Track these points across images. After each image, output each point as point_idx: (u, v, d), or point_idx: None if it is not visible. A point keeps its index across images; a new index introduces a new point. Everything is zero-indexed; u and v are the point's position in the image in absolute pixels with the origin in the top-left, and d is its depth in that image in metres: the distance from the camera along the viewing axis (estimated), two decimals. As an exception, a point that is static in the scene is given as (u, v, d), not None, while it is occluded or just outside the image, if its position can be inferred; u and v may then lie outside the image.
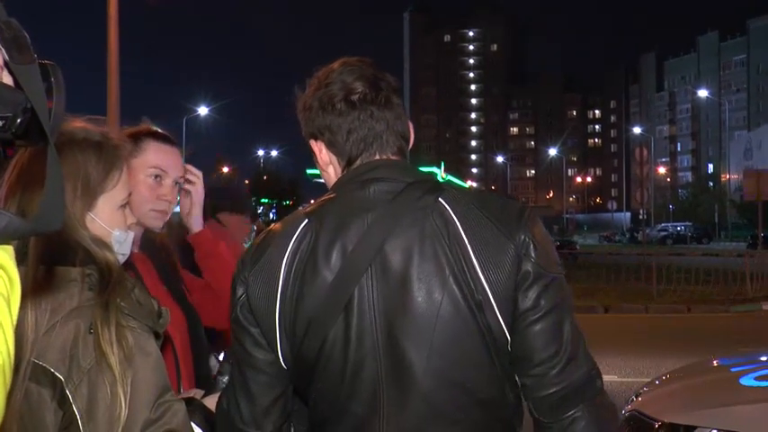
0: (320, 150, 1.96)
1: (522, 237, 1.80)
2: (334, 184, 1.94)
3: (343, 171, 1.93)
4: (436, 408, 1.78)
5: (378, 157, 1.91)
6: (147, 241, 2.75)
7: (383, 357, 1.77)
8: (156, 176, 2.66)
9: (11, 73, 1.02)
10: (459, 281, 1.76)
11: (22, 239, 1.02)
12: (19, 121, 1.01)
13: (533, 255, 1.80)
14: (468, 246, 1.78)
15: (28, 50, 1.03)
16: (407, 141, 1.98)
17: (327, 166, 1.97)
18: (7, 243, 1.00)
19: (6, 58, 1.01)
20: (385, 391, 1.78)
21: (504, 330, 1.79)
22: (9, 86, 1.01)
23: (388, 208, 1.82)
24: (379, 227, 1.80)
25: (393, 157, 1.93)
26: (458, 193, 1.87)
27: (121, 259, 2.04)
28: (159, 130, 2.74)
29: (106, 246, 1.94)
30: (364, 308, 1.78)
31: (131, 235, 2.10)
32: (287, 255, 1.83)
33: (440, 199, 1.82)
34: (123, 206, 2.06)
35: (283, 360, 1.86)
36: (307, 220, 1.86)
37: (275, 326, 1.83)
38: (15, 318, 0.98)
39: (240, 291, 1.88)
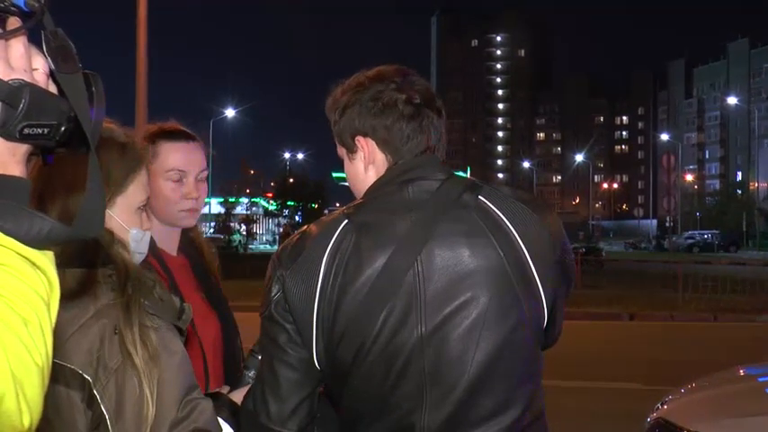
0: (369, 149, 1.97)
1: (557, 230, 1.91)
2: (371, 186, 1.95)
3: (386, 171, 1.95)
4: (479, 401, 1.80)
5: None
6: (188, 245, 2.75)
7: (430, 352, 1.80)
8: (178, 178, 2.61)
9: (55, 82, 1.04)
10: (511, 275, 1.81)
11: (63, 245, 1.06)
12: (63, 129, 1.03)
13: (565, 247, 1.94)
14: (520, 240, 1.83)
15: (73, 60, 1.05)
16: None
17: (369, 165, 1.98)
18: (48, 248, 1.01)
19: (52, 66, 1.03)
20: (429, 384, 1.80)
21: (545, 320, 1.89)
22: (54, 95, 1.03)
23: (429, 206, 1.85)
24: (422, 225, 1.83)
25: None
26: (493, 189, 1.92)
27: (139, 258, 2.05)
28: (174, 127, 2.67)
29: (123, 245, 1.95)
30: (410, 304, 1.80)
31: (148, 234, 2.10)
32: (327, 254, 1.84)
33: (479, 196, 1.87)
34: (141, 208, 2.07)
35: (317, 359, 1.87)
36: (347, 221, 1.87)
37: (312, 324, 1.85)
38: (54, 322, 1.00)
39: (276, 288, 1.89)
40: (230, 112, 60.00)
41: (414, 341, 1.80)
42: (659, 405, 5.10)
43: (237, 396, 2.19)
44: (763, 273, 22.84)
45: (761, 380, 5.37)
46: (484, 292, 1.81)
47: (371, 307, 1.80)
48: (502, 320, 1.81)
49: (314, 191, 53.04)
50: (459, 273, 1.81)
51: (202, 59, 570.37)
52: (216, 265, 2.82)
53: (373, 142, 1.96)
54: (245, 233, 49.14)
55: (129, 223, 2.03)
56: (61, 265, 1.86)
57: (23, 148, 1.02)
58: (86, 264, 1.85)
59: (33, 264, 0.98)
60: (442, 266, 1.81)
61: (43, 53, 1.03)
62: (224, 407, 2.12)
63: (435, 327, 1.80)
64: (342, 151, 2.05)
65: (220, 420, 2.02)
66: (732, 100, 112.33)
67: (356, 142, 1.98)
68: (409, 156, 1.93)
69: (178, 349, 1.87)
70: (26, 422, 0.93)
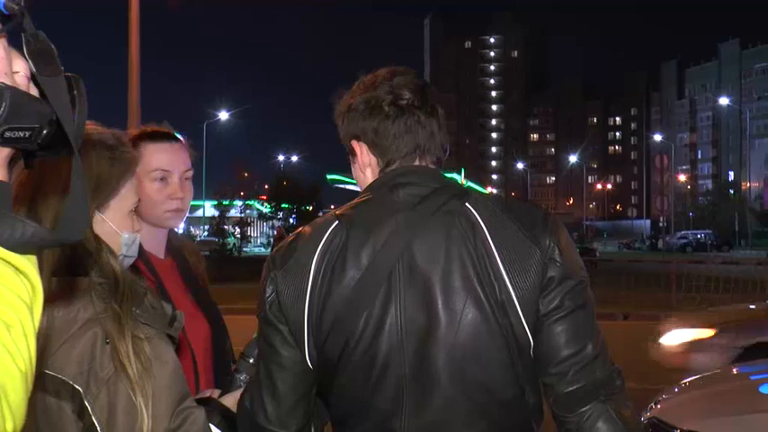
0: (361, 152, 1.99)
1: (548, 242, 1.85)
2: (366, 187, 1.96)
3: (380, 173, 1.96)
4: (456, 406, 1.81)
5: (417, 163, 1.95)
6: (175, 248, 2.74)
7: (408, 355, 1.81)
8: (161, 178, 2.62)
9: (37, 85, 1.03)
10: (483, 282, 1.80)
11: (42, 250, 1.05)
12: (45, 132, 1.01)
13: (559, 259, 1.85)
14: (494, 248, 1.82)
15: (54, 63, 1.03)
16: (445, 153, 2.01)
17: (366, 168, 2.00)
18: (31, 253, 1.00)
19: (33, 69, 1.01)
20: (408, 387, 1.81)
21: (527, 332, 1.83)
22: (36, 98, 1.02)
23: (415, 210, 1.85)
24: (406, 228, 1.84)
25: (430, 166, 1.96)
26: (483, 197, 1.91)
27: (129, 261, 2.05)
28: (156, 129, 2.68)
29: (111, 251, 1.94)
30: (390, 306, 1.81)
31: (138, 237, 2.10)
32: (317, 254, 1.86)
33: (466, 203, 1.87)
34: (132, 211, 2.07)
35: (309, 359, 1.88)
36: (337, 222, 1.89)
37: (303, 324, 1.86)
38: (38, 326, 0.99)
39: (270, 289, 1.91)
40: (224, 115, 59.68)
41: (393, 344, 1.81)
42: (653, 404, 5.12)
43: (229, 400, 2.19)
44: (755, 272, 22.83)
45: (753, 378, 5.40)
46: (458, 299, 1.80)
47: (354, 307, 1.82)
48: (475, 327, 1.80)
49: (309, 193, 52.83)
50: (435, 278, 1.81)
51: (202, 59, 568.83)
52: (202, 266, 2.83)
53: (365, 145, 1.97)
54: (239, 236, 49.01)
55: (121, 227, 2.02)
56: (50, 272, 1.84)
57: (5, 152, 1.01)
58: (76, 272, 1.84)
59: (16, 268, 0.97)
60: (421, 271, 1.82)
61: (24, 56, 1.01)
62: (215, 412, 2.12)
63: (412, 330, 1.81)
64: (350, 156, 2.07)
65: (212, 427, 2.02)
66: (724, 101, 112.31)
67: (353, 146, 2.00)
68: (397, 156, 1.93)
69: (170, 358, 1.87)
70: (9, 428, 0.92)
